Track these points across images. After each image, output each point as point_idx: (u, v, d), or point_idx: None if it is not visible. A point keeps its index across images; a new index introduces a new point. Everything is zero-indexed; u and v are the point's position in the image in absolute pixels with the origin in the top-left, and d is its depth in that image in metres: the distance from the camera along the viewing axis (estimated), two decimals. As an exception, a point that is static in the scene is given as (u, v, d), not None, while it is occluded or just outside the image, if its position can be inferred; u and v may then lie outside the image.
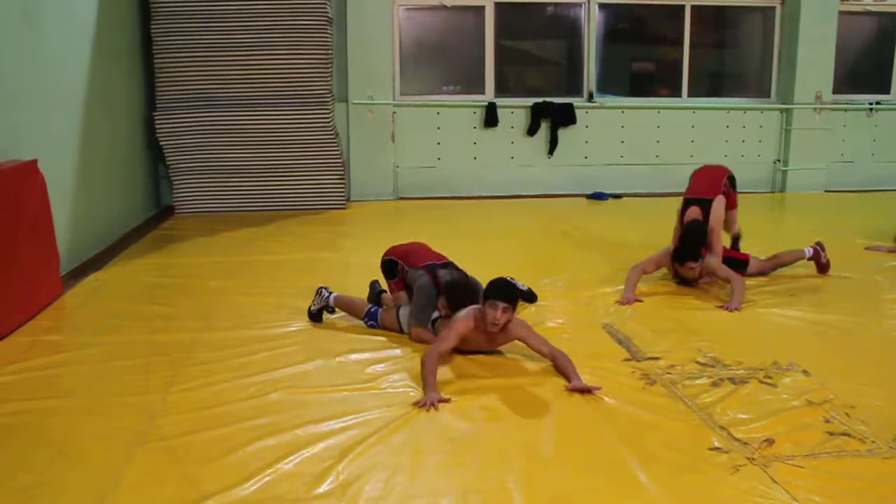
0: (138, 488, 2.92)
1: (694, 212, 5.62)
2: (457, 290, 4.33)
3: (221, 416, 3.50)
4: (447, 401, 3.63)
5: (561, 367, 3.96)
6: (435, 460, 3.16)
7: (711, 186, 5.78)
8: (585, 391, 3.73)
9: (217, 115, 8.13)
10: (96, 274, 5.83)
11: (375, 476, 3.01)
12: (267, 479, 2.98)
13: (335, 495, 2.88)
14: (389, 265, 4.79)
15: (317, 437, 3.31)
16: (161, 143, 8.08)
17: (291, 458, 3.13)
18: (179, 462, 3.10)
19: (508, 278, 4.27)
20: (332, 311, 4.83)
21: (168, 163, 8.19)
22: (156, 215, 8.18)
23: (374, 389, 3.82)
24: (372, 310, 4.70)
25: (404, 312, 4.55)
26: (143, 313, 4.96)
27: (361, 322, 4.71)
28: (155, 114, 8.04)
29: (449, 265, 4.71)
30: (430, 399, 3.61)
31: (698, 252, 5.32)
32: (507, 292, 4.01)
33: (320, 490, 2.92)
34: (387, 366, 4.11)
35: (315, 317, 4.80)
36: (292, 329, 4.67)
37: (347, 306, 4.79)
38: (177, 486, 2.92)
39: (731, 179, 5.95)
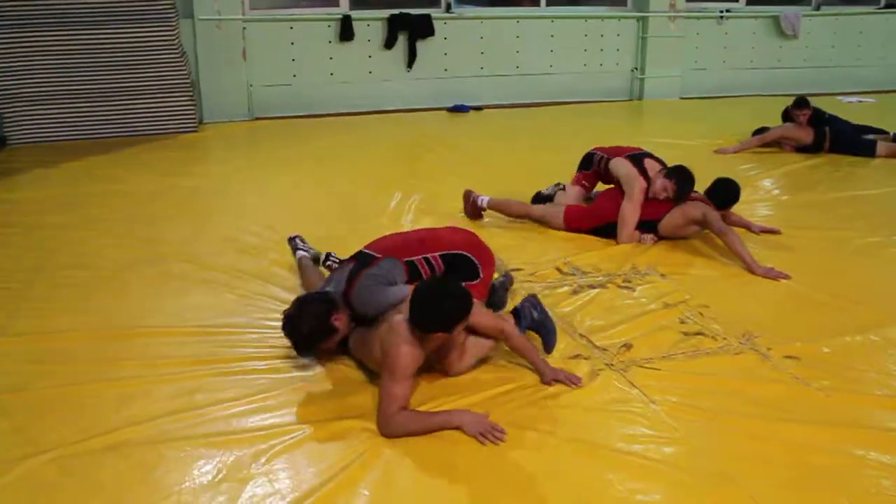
0: (-37, 447, 2.67)
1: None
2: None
3: (60, 362, 3.24)
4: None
5: (519, 347, 3.14)
6: (289, 377, 3.11)
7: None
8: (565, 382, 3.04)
9: (50, 34, 7.42)
10: (-85, 214, 5.28)
11: (230, 403, 2.91)
12: (113, 424, 2.77)
13: (188, 433, 2.73)
14: None
15: (167, 375, 3.12)
16: (-16, 66, 7.35)
17: (139, 400, 2.94)
18: (9, 415, 2.84)
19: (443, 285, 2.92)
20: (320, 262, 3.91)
21: (-5, 89, 7.48)
22: (-15, 147, 7.50)
23: (229, 329, 3.55)
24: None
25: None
26: (-28, 254, 4.54)
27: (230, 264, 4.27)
28: (-26, 33, 7.29)
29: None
30: (471, 422, 2.70)
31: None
32: (430, 321, 2.79)
33: (172, 425, 2.77)
34: (243, 303, 3.82)
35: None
36: (140, 264, 4.35)
37: (303, 277, 3.94)
38: (8, 441, 2.68)
39: None
